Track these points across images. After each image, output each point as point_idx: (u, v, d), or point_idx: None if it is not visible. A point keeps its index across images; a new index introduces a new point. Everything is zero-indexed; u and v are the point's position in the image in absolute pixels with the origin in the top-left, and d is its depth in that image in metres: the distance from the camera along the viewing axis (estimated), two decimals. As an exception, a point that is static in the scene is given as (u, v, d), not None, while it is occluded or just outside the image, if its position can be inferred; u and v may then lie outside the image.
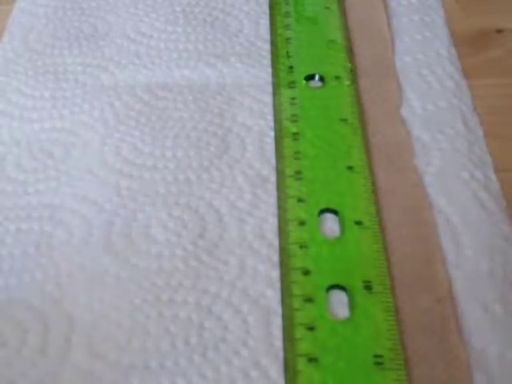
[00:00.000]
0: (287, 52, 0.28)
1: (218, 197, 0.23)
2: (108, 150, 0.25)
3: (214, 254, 0.22)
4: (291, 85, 0.27)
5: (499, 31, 0.30)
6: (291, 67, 0.27)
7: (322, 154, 0.24)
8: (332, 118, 0.25)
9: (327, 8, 0.30)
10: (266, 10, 0.31)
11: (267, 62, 0.28)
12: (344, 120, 0.25)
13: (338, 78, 0.27)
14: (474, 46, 0.29)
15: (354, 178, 0.23)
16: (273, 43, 0.29)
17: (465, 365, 0.19)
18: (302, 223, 0.22)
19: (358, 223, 0.22)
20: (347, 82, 0.27)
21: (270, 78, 0.27)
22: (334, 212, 0.22)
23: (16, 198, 0.24)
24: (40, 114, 0.27)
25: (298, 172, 0.23)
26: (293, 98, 0.26)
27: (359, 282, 0.20)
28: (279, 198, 0.23)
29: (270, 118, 0.26)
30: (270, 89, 0.27)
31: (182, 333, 0.20)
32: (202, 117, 0.26)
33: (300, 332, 0.19)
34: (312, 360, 0.18)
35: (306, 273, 0.21)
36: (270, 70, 0.28)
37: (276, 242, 0.22)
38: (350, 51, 0.28)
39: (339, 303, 0.20)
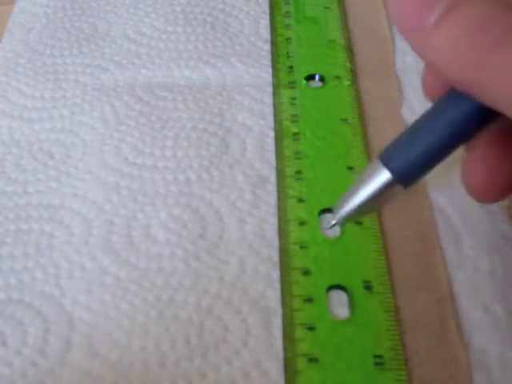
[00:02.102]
0: (287, 52, 0.28)
1: (217, 197, 0.23)
2: (108, 150, 0.25)
3: (214, 254, 0.22)
4: (291, 85, 0.27)
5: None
6: (291, 67, 0.27)
7: (322, 154, 0.24)
8: (332, 117, 0.25)
9: (327, 8, 0.30)
10: (266, 9, 0.31)
11: (267, 62, 0.28)
12: (344, 120, 0.25)
13: (338, 77, 0.27)
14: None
15: (353, 178, 0.23)
16: (273, 43, 0.29)
17: (465, 365, 0.19)
18: (302, 223, 0.22)
19: (358, 223, 0.22)
20: (347, 82, 0.27)
21: (270, 78, 0.27)
22: (334, 212, 0.22)
23: (16, 198, 0.24)
24: (40, 114, 0.27)
25: (298, 172, 0.23)
26: (293, 98, 0.26)
27: (359, 281, 0.20)
28: (279, 198, 0.23)
29: (270, 118, 0.26)
30: (270, 89, 0.27)
31: (182, 333, 0.20)
32: (202, 117, 0.26)
33: (300, 332, 0.19)
34: (312, 360, 0.18)
35: (306, 273, 0.21)
36: (270, 69, 0.28)
37: (276, 242, 0.22)
38: (350, 51, 0.28)
39: (339, 303, 0.20)
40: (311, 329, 0.19)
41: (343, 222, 0.17)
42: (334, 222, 0.18)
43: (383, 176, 0.16)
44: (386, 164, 0.16)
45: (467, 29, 0.14)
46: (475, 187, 0.17)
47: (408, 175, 0.16)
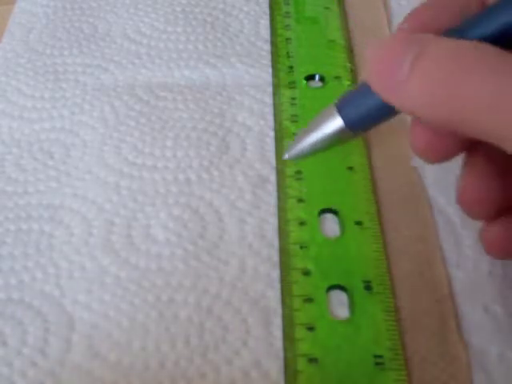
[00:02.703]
0: (287, 52, 0.28)
1: (217, 197, 0.23)
2: (108, 150, 0.25)
3: (214, 254, 0.22)
4: (291, 85, 0.27)
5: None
6: (291, 67, 0.27)
7: (322, 154, 0.24)
8: (332, 118, 0.25)
9: (327, 8, 0.30)
10: (266, 10, 0.31)
11: (267, 62, 0.28)
12: (344, 120, 0.25)
13: (337, 78, 0.27)
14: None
15: (353, 178, 0.23)
16: (273, 43, 0.29)
17: (465, 365, 0.19)
18: (302, 223, 0.22)
19: (358, 223, 0.22)
20: (347, 82, 0.27)
21: (270, 78, 0.27)
22: (334, 212, 0.22)
23: (16, 198, 0.24)
24: (40, 114, 0.27)
25: (298, 172, 0.23)
26: (293, 98, 0.26)
27: (359, 281, 0.20)
28: (279, 198, 0.23)
29: (270, 118, 0.26)
30: (270, 89, 0.27)
31: (182, 333, 0.20)
32: (202, 117, 0.26)
33: (300, 332, 0.19)
34: (312, 360, 0.18)
35: (306, 273, 0.21)
36: (270, 70, 0.28)
37: (276, 242, 0.22)
38: (350, 51, 0.28)
39: (339, 303, 0.20)
40: (311, 329, 0.19)
41: (296, 159, 0.20)
42: (286, 156, 0.20)
43: (336, 122, 0.18)
44: (341, 111, 0.18)
45: (440, 69, 0.15)
46: (419, 149, 0.18)
47: (357, 123, 0.18)
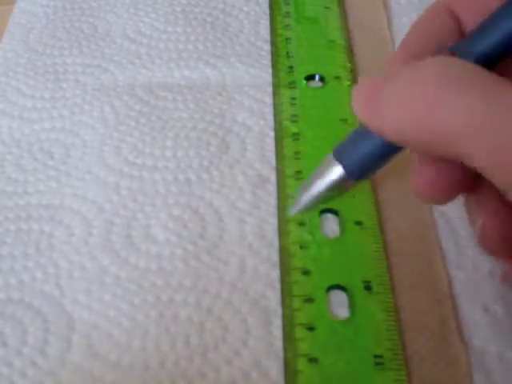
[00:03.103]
0: (287, 52, 0.28)
1: (217, 197, 0.23)
2: (108, 150, 0.25)
3: (214, 254, 0.22)
4: (291, 85, 0.27)
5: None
6: (291, 67, 0.27)
7: (321, 154, 0.24)
8: (332, 117, 0.25)
9: (327, 8, 0.30)
10: (266, 10, 0.31)
11: (267, 62, 0.28)
12: (344, 120, 0.25)
13: (337, 78, 0.27)
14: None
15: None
16: (273, 43, 0.29)
17: (465, 365, 0.19)
18: (301, 223, 0.22)
19: (358, 223, 0.22)
20: (347, 82, 0.27)
21: (270, 78, 0.27)
22: (334, 212, 0.22)
23: (16, 198, 0.24)
24: (40, 114, 0.27)
25: (298, 172, 0.23)
26: (293, 98, 0.26)
27: (359, 281, 0.20)
28: (279, 198, 0.23)
29: (270, 118, 0.26)
30: (270, 89, 0.27)
31: (182, 333, 0.20)
32: (202, 117, 0.26)
33: (300, 332, 0.19)
34: (312, 360, 0.18)
35: (306, 273, 0.21)
36: (270, 70, 0.28)
37: (276, 242, 0.22)
38: (350, 51, 0.28)
39: (339, 303, 0.20)
40: (311, 329, 0.19)
41: (302, 212, 0.19)
42: (293, 212, 0.19)
43: (336, 171, 0.18)
44: (340, 159, 0.17)
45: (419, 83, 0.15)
46: (420, 191, 0.17)
47: (358, 170, 0.17)
